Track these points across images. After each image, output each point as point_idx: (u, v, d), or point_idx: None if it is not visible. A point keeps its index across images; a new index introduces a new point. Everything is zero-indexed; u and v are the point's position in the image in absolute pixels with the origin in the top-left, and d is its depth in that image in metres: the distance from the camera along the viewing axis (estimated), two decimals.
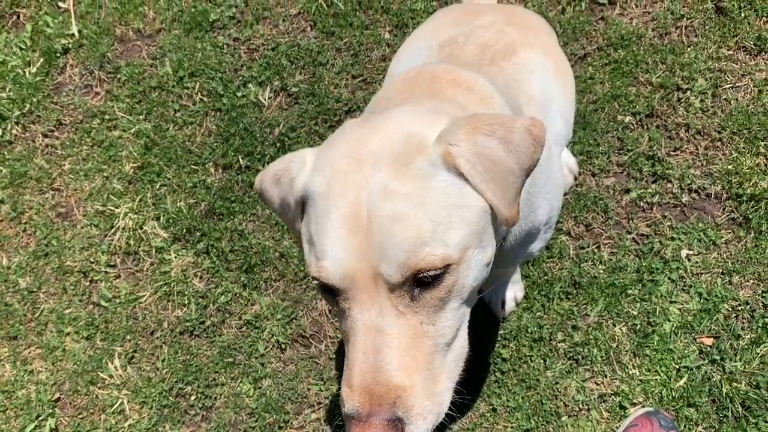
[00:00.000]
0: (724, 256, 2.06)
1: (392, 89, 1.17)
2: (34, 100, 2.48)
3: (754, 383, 1.91)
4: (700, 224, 2.09)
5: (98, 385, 2.13)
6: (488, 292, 2.06)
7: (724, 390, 1.91)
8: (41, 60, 2.52)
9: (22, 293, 2.26)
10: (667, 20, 2.28)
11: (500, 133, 0.90)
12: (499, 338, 2.06)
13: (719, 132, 2.16)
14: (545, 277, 2.10)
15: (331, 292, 0.91)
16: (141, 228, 2.27)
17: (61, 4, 2.60)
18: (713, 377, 1.94)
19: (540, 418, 1.97)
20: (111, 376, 2.12)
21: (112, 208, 2.30)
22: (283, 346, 2.11)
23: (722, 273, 2.05)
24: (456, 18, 1.56)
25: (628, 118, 2.21)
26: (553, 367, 2.01)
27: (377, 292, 0.87)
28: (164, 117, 2.39)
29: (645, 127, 2.21)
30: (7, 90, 2.50)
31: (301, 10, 2.45)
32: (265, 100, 2.35)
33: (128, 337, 2.17)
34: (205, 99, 2.39)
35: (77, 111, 2.46)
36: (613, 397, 1.97)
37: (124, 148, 2.37)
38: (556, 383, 2.00)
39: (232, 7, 2.48)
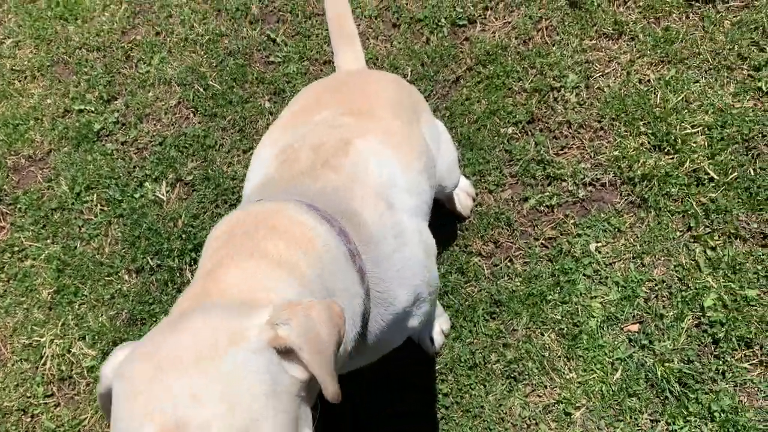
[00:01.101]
0: (631, 240, 2.09)
1: (207, 257, 1.12)
2: None
3: (686, 358, 1.94)
4: (602, 215, 2.12)
5: None
6: (416, 333, 2.07)
7: (659, 372, 1.93)
8: None
9: None
10: (527, 26, 2.33)
11: (320, 313, 0.92)
12: (436, 374, 2.07)
13: (599, 121, 2.20)
14: (467, 303, 2.12)
15: None
16: (69, 352, 2.26)
17: None
18: (646, 362, 1.95)
19: None
20: None
21: (38, 338, 2.30)
22: None
23: (633, 257, 2.08)
24: (301, 110, 1.57)
25: (510, 129, 2.25)
26: (493, 390, 2.02)
27: None
28: (70, 235, 2.40)
29: (529, 133, 2.25)
30: None
31: (180, 99, 2.48)
32: (163, 195, 2.37)
33: None
34: (105, 209, 2.40)
35: None
36: (557, 405, 1.98)
37: (38, 276, 2.37)
38: (500, 405, 2.00)
39: (114, 112, 2.51)
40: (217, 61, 2.49)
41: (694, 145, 2.10)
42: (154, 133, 2.46)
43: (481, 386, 2.03)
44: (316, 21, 2.47)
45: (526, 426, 1.98)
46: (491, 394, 2.01)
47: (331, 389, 0.89)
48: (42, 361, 2.28)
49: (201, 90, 2.47)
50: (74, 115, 2.55)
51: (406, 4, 2.45)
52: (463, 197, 2.17)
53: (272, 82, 2.42)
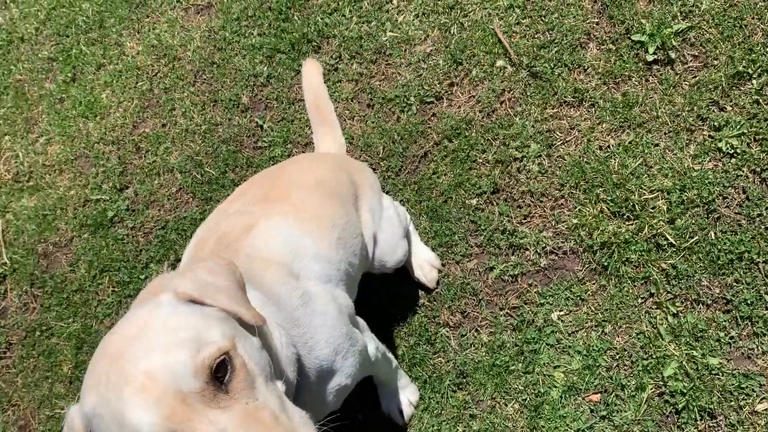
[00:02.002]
0: (593, 307, 2.11)
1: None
2: None
3: (646, 430, 1.92)
4: (564, 283, 2.15)
5: None
6: (385, 404, 2.16)
7: None
8: None
9: None
10: (491, 98, 2.42)
11: (201, 269, 1.18)
12: None
13: (559, 190, 2.24)
14: (434, 374, 2.19)
15: None
16: None
17: None
18: None
19: None
20: None
21: (59, 410, 2.55)
22: None
23: (595, 325, 2.09)
24: (226, 203, 1.77)
25: (475, 200, 2.33)
26: None
27: (196, 412, 0.97)
28: (88, 315, 2.66)
29: (493, 203, 2.32)
30: None
31: (181, 186, 2.72)
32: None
33: None
34: (117, 290, 2.65)
35: (20, 329, 2.76)
36: None
37: (60, 353, 2.64)
38: None
39: (125, 200, 2.78)
40: (212, 149, 2.72)
41: (653, 210, 2.10)
42: (158, 218, 2.70)
43: None
44: (299, 106, 2.65)
45: None
46: None
47: (244, 314, 1.12)
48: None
49: (198, 176, 2.69)
50: (92, 204, 2.84)
51: (379, 85, 2.59)
52: (428, 269, 2.26)
53: (260, 166, 2.62)
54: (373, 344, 1.73)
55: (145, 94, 2.95)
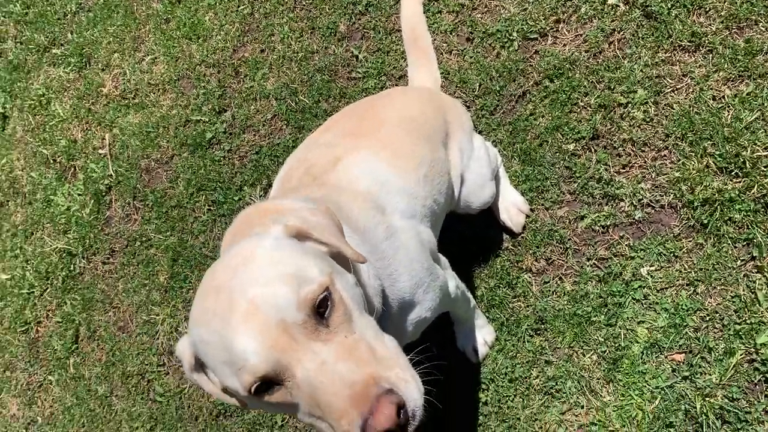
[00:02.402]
0: (687, 266, 2.02)
1: (222, 248, 1.39)
2: (92, 235, 3.01)
3: (731, 395, 1.86)
4: (658, 238, 2.07)
5: None
6: (460, 341, 2.19)
7: (699, 406, 1.88)
8: (92, 201, 3.06)
9: (100, 399, 2.75)
10: (599, 38, 2.29)
11: (304, 210, 1.22)
12: (478, 383, 2.18)
13: (664, 140, 2.13)
14: (512, 318, 2.19)
15: (273, 385, 1.03)
16: (177, 330, 2.68)
17: (100, 150, 3.15)
18: (687, 394, 1.91)
19: None
20: None
21: (154, 316, 2.74)
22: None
23: (687, 284, 2.01)
24: (317, 133, 1.78)
25: (572, 146, 2.24)
26: (531, 404, 2.09)
27: (299, 343, 1.02)
28: (184, 230, 2.80)
29: (591, 150, 2.23)
30: (72, 231, 3.07)
31: (276, 113, 2.76)
32: (257, 199, 2.68)
33: (179, 425, 2.56)
34: (212, 209, 2.77)
35: (123, 238, 2.95)
36: (591, 426, 2.00)
37: (158, 263, 2.81)
38: (536, 420, 2.07)
39: (223, 123, 2.86)
40: (307, 78, 2.73)
41: (766, 169, 1.96)
42: (253, 143, 2.77)
43: (519, 399, 2.11)
44: (396, 37, 2.61)
45: None
46: (528, 408, 2.08)
47: (346, 251, 1.16)
48: (156, 336, 2.72)
49: (292, 104, 2.73)
50: (192, 124, 2.94)
51: (481, 18, 2.50)
52: (515, 213, 2.22)
53: (352, 97, 2.61)
54: (453, 282, 1.74)
55: (246, 19, 2.98)
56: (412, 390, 1.03)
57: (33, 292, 3.09)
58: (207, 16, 3.08)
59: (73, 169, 3.23)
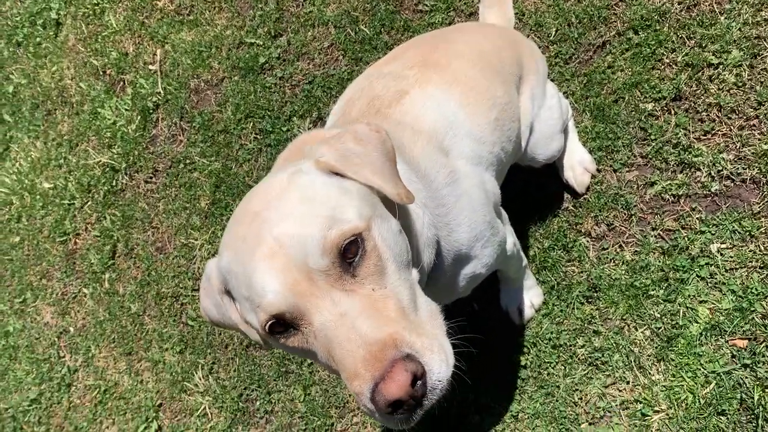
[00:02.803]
0: (763, 247, 1.87)
1: (272, 171, 1.29)
2: (136, 152, 2.96)
3: None
4: (734, 214, 1.91)
5: (188, 392, 2.53)
6: (504, 301, 2.08)
7: (757, 397, 1.75)
8: (139, 117, 2.99)
9: (133, 316, 2.75)
10: None
11: (348, 136, 1.09)
12: (518, 345, 2.08)
13: (756, 108, 1.94)
14: (564, 282, 2.07)
15: (289, 328, 0.98)
16: (213, 256, 2.63)
17: (151, 66, 3.06)
18: (745, 383, 1.78)
19: (559, 425, 1.96)
20: (196, 385, 2.51)
21: (193, 240, 2.69)
22: None
23: (761, 267, 1.86)
24: (383, 62, 1.65)
25: (651, 105, 2.07)
26: (572, 373, 1.99)
27: (320, 289, 0.94)
28: (229, 157, 2.72)
29: (671, 112, 2.05)
30: (117, 146, 3.01)
31: (333, 41, 2.62)
32: (305, 131, 2.57)
33: (208, 351, 2.54)
34: (258, 137, 2.68)
35: (167, 158, 2.89)
36: (635, 404, 1.90)
37: (200, 188, 2.75)
38: (576, 390, 1.97)
39: (278, 48, 2.73)
40: (370, 6, 2.58)
41: None
42: (306, 72, 2.65)
43: (561, 367, 2.01)
44: None
45: (598, 416, 1.93)
46: (569, 376, 1.99)
47: (388, 190, 1.04)
48: (193, 260, 2.68)
49: (352, 34, 2.58)
50: (246, 47, 2.82)
51: None
52: (580, 172, 2.07)
53: (417, 31, 2.46)
54: (511, 239, 1.63)
55: None
56: (437, 361, 0.93)
57: (74, 203, 3.07)
58: None
59: (122, 83, 3.15)
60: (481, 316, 2.15)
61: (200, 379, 2.51)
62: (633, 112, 2.09)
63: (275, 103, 2.68)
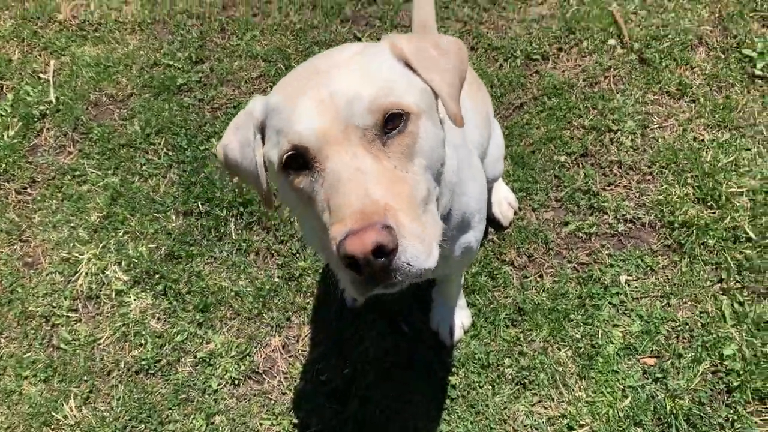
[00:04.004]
0: (662, 280, 2.14)
1: None
2: (10, 160, 2.62)
3: (698, 399, 1.94)
4: (637, 251, 2.18)
5: (52, 426, 2.13)
6: (436, 320, 2.12)
7: (668, 407, 1.93)
8: (19, 124, 2.69)
9: None
10: (596, 71, 2.48)
11: (432, 41, 1.12)
12: (448, 365, 2.10)
13: (649, 167, 2.30)
14: (491, 306, 2.17)
15: (301, 168, 0.99)
16: (103, 272, 2.35)
17: (41, 75, 2.82)
18: (657, 396, 1.96)
19: None
20: (66, 417, 2.13)
21: (77, 255, 2.39)
22: (236, 382, 2.14)
23: (660, 296, 2.12)
24: None
25: (563, 158, 2.36)
26: (501, 392, 2.03)
27: (350, 142, 0.96)
28: (131, 171, 2.53)
29: (580, 165, 2.35)
30: None
31: (262, 73, 2.66)
32: None
33: (85, 377, 2.19)
34: (170, 153, 2.54)
35: (50, 169, 2.60)
36: (561, 419, 1.98)
37: (92, 200, 2.49)
38: (505, 408, 2.01)
39: (198, 73, 2.69)
40: (303, 47, 2.68)
41: (737, 204, 2.18)
42: (231, 96, 2.63)
43: (490, 386, 2.05)
44: (401, 31, 2.66)
45: None
46: (498, 395, 2.03)
47: (450, 105, 1.07)
48: (75, 277, 2.36)
49: (283, 68, 2.64)
50: (162, 68, 2.73)
51: (487, 32, 2.62)
52: (505, 207, 2.26)
53: None
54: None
55: None
56: (414, 247, 0.92)
57: None
58: None
59: (1, 88, 2.84)
60: (411, 337, 2.14)
61: (71, 411, 2.13)
62: (548, 162, 2.36)
63: (193, 122, 2.59)
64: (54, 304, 2.33)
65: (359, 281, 0.93)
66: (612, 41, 2.52)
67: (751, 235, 2.13)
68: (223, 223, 2.37)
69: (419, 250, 0.93)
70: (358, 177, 0.93)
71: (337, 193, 0.93)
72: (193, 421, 2.08)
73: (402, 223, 0.92)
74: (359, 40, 2.67)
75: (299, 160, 0.99)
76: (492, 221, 2.29)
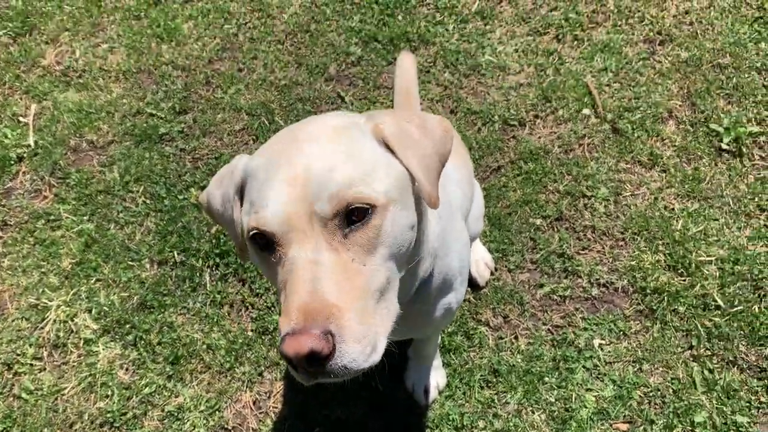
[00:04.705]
0: (634, 345, 2.17)
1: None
2: None
3: None
4: (611, 316, 2.22)
5: None
6: (411, 380, 2.10)
7: None
8: None
9: None
10: (571, 139, 2.56)
11: (417, 121, 1.13)
12: (422, 427, 2.07)
13: (622, 233, 2.36)
14: (466, 366, 2.16)
15: (266, 246, 1.01)
16: (72, 320, 2.29)
17: (21, 118, 2.80)
18: None
19: None
20: None
21: (46, 301, 2.34)
22: None
23: (633, 361, 2.14)
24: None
25: (539, 221, 2.41)
26: None
27: (312, 231, 0.97)
28: (107, 217, 2.50)
29: (555, 228, 2.40)
30: None
31: (245, 126, 2.69)
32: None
33: (46, 430, 2.11)
34: (148, 201, 2.53)
35: (23, 213, 2.56)
36: None
37: (65, 246, 2.45)
38: None
39: (181, 123, 2.71)
40: (287, 103, 2.72)
41: (707, 272, 2.24)
42: (213, 148, 2.64)
43: None
44: (384, 92, 2.73)
45: None
46: None
47: (426, 189, 1.07)
48: (42, 324, 2.30)
49: (266, 123, 2.68)
50: (145, 117, 2.75)
51: (466, 97, 2.71)
52: (482, 267, 2.28)
53: None
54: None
55: (229, 37, 2.96)
56: (354, 351, 0.93)
57: None
58: (186, 24, 3.02)
59: None
60: (384, 395, 2.12)
61: None
62: (524, 224, 2.41)
63: (173, 171, 2.59)
64: (18, 352, 2.26)
65: (300, 374, 0.95)
66: (586, 111, 2.62)
67: (720, 303, 2.18)
68: (198, 274, 2.35)
69: (357, 353, 0.93)
70: (313, 270, 0.95)
71: (291, 282, 0.95)
72: None
73: (344, 326, 0.92)
74: (342, 99, 2.73)
75: (265, 239, 1.00)
76: (469, 281, 2.31)
